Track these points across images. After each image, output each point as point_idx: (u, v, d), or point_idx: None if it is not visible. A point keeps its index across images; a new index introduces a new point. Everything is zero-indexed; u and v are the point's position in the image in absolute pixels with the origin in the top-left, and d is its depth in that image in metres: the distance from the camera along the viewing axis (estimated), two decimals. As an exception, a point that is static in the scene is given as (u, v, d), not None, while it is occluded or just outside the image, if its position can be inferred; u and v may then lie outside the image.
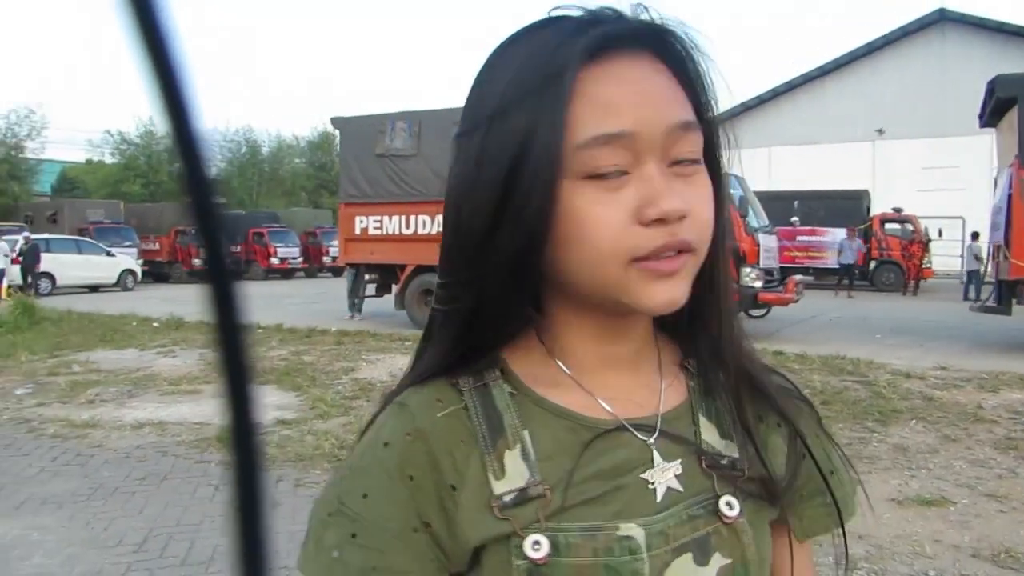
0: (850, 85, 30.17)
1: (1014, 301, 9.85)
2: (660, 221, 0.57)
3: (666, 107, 0.59)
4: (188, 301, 17.44)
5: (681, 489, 0.63)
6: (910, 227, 20.75)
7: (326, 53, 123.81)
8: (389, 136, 12.38)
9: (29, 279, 19.55)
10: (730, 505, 0.63)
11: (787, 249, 18.14)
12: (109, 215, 27.84)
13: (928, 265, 21.08)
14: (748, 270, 10.22)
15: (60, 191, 39.38)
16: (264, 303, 17.21)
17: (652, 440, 0.64)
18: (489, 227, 0.60)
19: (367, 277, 13.16)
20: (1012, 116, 9.35)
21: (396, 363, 8.72)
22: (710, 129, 0.64)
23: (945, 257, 23.19)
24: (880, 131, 29.36)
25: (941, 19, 28.87)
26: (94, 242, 23.13)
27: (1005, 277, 9.48)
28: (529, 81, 0.58)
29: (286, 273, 28.50)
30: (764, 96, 31.86)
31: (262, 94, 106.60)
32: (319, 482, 4.81)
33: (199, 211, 0.26)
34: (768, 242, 10.88)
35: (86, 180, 40.38)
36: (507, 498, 0.60)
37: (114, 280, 22.41)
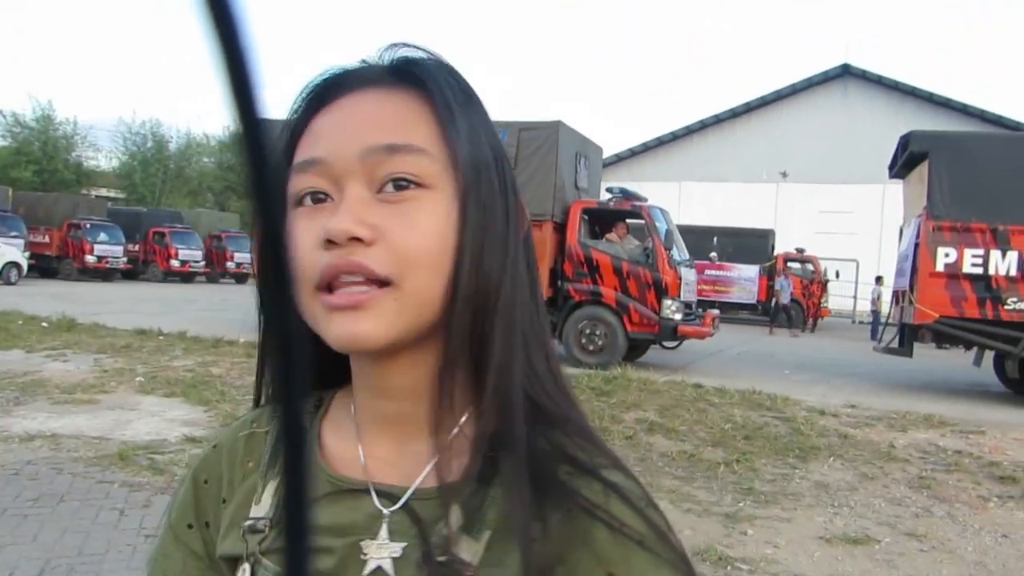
0: (758, 128, 31.55)
1: (915, 344, 10.36)
2: (331, 243, 0.55)
3: (366, 132, 0.58)
4: (79, 299, 16.42)
5: (391, 574, 0.57)
6: (811, 267, 21.69)
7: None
8: None
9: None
10: None
11: (697, 282, 18.59)
12: (-6, 202, 26.01)
13: (826, 304, 22.06)
14: (669, 302, 10.37)
15: (-61, 173, 36.60)
16: (163, 307, 16.37)
17: (388, 511, 0.59)
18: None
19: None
20: (923, 169, 9.89)
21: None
22: (456, 156, 0.59)
23: (840, 297, 24.35)
24: (784, 174, 30.75)
25: (844, 74, 30.65)
26: (-25, 231, 21.55)
27: (909, 321, 9.96)
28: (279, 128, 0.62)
29: (186, 276, 27.30)
30: (678, 132, 32.97)
31: (174, 87, 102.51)
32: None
33: (265, 219, 0.26)
34: (688, 275, 11.09)
35: (-31, 163, 37.68)
36: (248, 523, 0.63)
37: (-4, 273, 20.92)
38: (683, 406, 7.58)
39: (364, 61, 0.63)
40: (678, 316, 10.42)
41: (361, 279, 0.55)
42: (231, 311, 16.18)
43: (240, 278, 28.26)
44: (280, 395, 0.28)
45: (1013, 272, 9.36)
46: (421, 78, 0.60)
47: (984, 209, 9.37)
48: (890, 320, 11.22)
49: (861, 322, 22.18)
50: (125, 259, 25.69)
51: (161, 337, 11.02)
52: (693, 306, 11.38)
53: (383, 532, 0.58)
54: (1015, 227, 9.35)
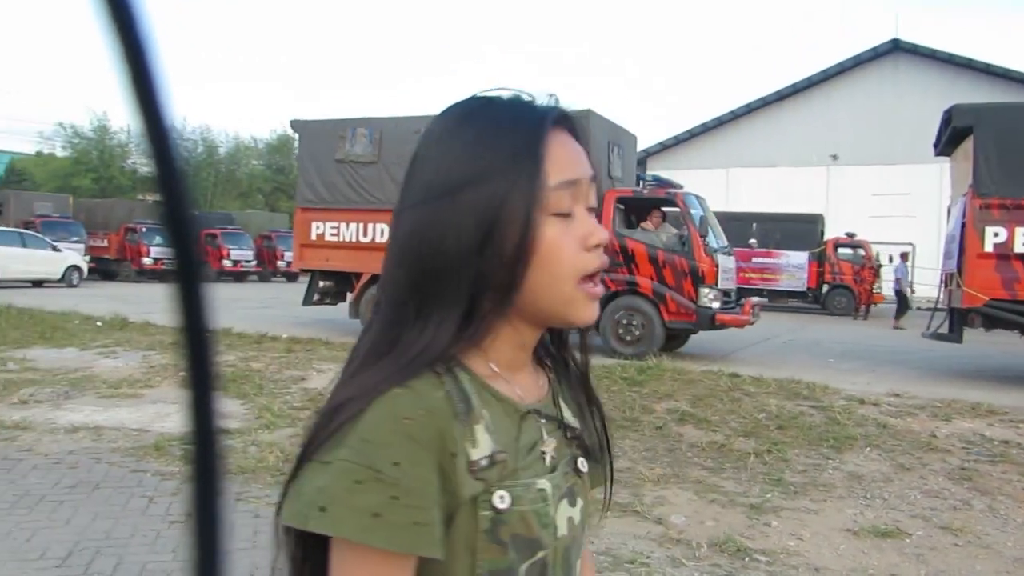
0: (806, 110, 30.79)
1: (965, 329, 9.99)
2: (598, 247, 0.80)
3: (587, 167, 0.82)
4: (134, 300, 16.94)
5: (556, 456, 0.84)
6: (862, 252, 21.12)
7: (289, 55, 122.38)
8: (349, 142, 12.15)
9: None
10: (582, 464, 0.89)
11: (743, 270, 18.31)
12: (57, 209, 26.94)
13: (878, 290, 21.46)
14: (706, 290, 10.21)
15: (7, 183, 38.02)
16: (214, 306, 16.73)
17: (543, 422, 0.85)
18: (471, 256, 0.76)
19: (321, 284, 12.86)
20: (967, 145, 9.51)
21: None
22: (600, 190, 0.88)
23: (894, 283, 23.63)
24: (834, 156, 29.96)
25: (894, 49, 29.66)
26: (39, 236, 22.35)
27: (957, 305, 9.60)
28: (506, 147, 0.77)
29: (238, 276, 27.91)
30: (724, 118, 32.37)
31: (222, 93, 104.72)
32: (261, 496, 4.58)
33: (169, 209, 0.27)
34: (727, 263, 10.89)
35: (35, 172, 39.12)
36: (483, 462, 0.76)
37: (59, 276, 21.68)
38: (717, 396, 7.45)
39: (535, 96, 0.83)
40: (716, 304, 10.25)
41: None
42: (278, 308, 16.49)
43: (291, 276, 28.77)
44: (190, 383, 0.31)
45: (1069, 251, 8.93)
46: (580, 129, 0.84)
47: (1036, 185, 8.96)
48: (939, 304, 10.83)
49: (918, 308, 21.56)
50: (180, 260, 26.39)
51: (207, 335, 11.28)
52: (732, 294, 11.17)
53: (545, 435, 0.84)
54: (1070, 203, 8.92)
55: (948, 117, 9.86)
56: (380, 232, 11.69)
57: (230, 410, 6.88)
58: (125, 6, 0.21)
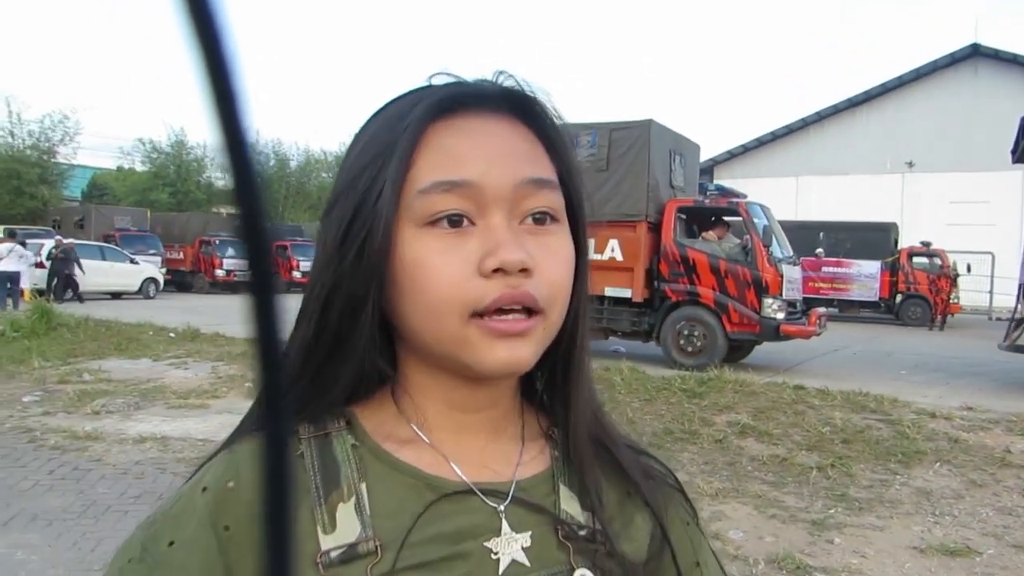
0: (880, 118, 29.97)
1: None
2: (500, 271, 0.57)
3: (516, 162, 0.60)
4: (206, 312, 17.48)
5: (527, 564, 0.60)
6: (938, 261, 20.37)
7: (357, 68, 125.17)
8: None
9: (55, 282, 19.66)
10: None
11: (812, 280, 17.83)
12: (135, 223, 28.09)
13: (956, 300, 20.64)
14: (770, 301, 9.99)
15: (90, 197, 39.80)
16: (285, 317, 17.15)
17: (503, 507, 0.61)
18: (336, 275, 0.60)
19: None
20: (1046, 152, 9.12)
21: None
22: (570, 194, 0.64)
23: (973, 292, 22.72)
24: (910, 164, 29.08)
25: (974, 54, 28.64)
26: (118, 249, 23.31)
27: (1037, 316, 9.19)
28: (381, 140, 0.60)
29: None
30: (794, 126, 31.76)
31: (293, 107, 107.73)
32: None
33: (246, 222, 0.25)
34: (792, 273, 10.64)
35: (115, 187, 40.83)
36: (334, 554, 0.56)
37: (136, 288, 22.54)
38: (780, 408, 7.28)
39: (478, 79, 0.63)
40: (780, 315, 10.02)
41: (519, 307, 0.58)
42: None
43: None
44: (266, 417, 0.28)
45: None
46: (538, 115, 0.63)
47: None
48: (1016, 315, 10.36)
49: (998, 319, 20.65)
50: (251, 272, 27.22)
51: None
52: (798, 304, 10.91)
53: (505, 527, 0.60)
54: None
55: (1024, 122, 9.49)
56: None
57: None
58: (209, 18, 0.21)
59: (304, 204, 43.03)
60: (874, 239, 20.95)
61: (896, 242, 21.36)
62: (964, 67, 28.92)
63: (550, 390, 0.69)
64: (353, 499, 0.58)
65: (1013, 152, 10.57)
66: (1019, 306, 10.40)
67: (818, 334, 10.61)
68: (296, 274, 28.01)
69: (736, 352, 10.81)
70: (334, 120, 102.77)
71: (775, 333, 10.07)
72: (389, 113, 0.61)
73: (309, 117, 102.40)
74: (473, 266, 0.57)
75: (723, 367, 9.63)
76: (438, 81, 0.63)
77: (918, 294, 20.34)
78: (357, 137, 0.63)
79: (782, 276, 10.10)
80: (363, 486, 0.59)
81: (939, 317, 19.84)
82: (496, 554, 0.59)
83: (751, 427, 6.72)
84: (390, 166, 0.58)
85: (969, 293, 22.34)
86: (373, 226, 0.58)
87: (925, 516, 4.88)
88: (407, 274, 0.58)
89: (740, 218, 10.46)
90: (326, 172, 45.34)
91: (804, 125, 31.61)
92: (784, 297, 10.11)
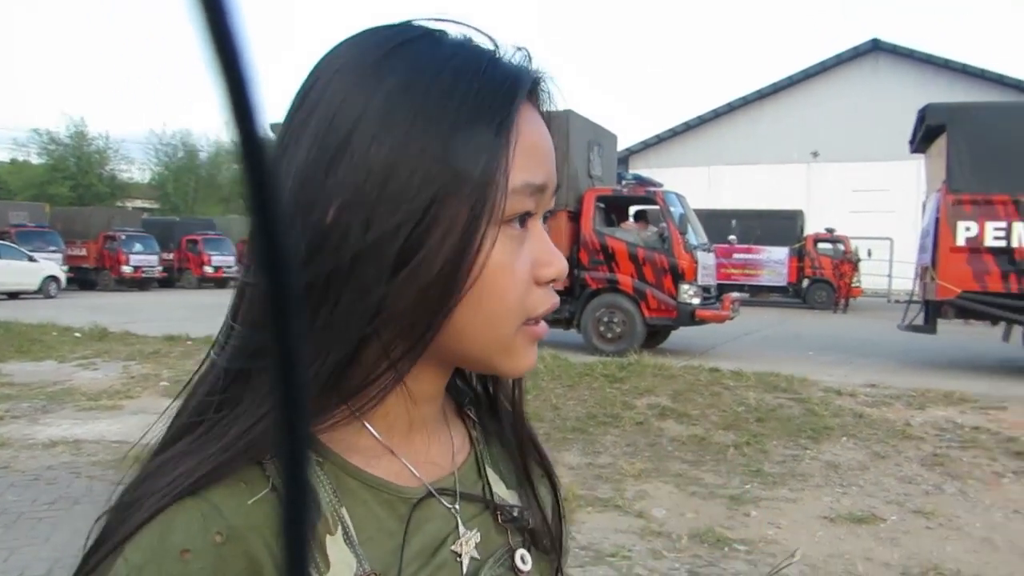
0: (787, 109, 31.05)
1: (939, 320, 10.15)
2: (553, 282, 0.56)
3: (553, 164, 0.57)
4: (114, 310, 16.82)
5: (479, 557, 0.59)
6: (841, 247, 21.35)
7: (275, 55, 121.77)
8: None
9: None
10: (523, 559, 0.62)
11: (724, 266, 18.43)
12: (33, 218, 26.62)
13: (858, 284, 21.69)
14: (686, 287, 10.30)
15: (-20, 192, 37.71)
16: (195, 313, 16.67)
17: (456, 507, 0.59)
18: (378, 279, 0.50)
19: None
20: (941, 143, 9.67)
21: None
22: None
23: (873, 276, 23.92)
24: (815, 154, 30.23)
25: (874, 49, 29.98)
26: (14, 246, 22.11)
27: (932, 297, 9.76)
28: (466, 116, 0.50)
29: (220, 282, 27.76)
30: (706, 117, 32.57)
31: (202, 96, 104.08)
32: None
33: (260, 221, 0.23)
34: (706, 259, 10.99)
35: (9, 181, 38.69)
36: None
37: (36, 287, 21.47)
38: (697, 390, 7.54)
39: (500, 43, 0.55)
40: (696, 300, 10.34)
41: None
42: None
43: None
44: (284, 439, 0.25)
45: (1036, 244, 9.13)
46: (545, 112, 0.57)
47: (1005, 181, 9.14)
48: (914, 297, 10.99)
49: (897, 301, 21.82)
50: (160, 268, 26.29)
51: (189, 342, 11.24)
52: (712, 290, 11.28)
53: (461, 528, 0.59)
54: (1038, 197, 9.10)
55: (923, 115, 10.05)
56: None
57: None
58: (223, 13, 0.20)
59: (215, 196, 41.77)
60: (782, 226, 21.79)
61: (802, 229, 22.27)
62: (865, 61, 30.26)
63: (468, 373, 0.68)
64: (340, 529, 0.52)
65: (912, 142, 11.16)
66: (916, 288, 11.02)
67: (732, 318, 11.00)
68: (208, 269, 27.25)
69: (654, 337, 11.10)
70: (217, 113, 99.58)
71: (691, 318, 10.38)
72: (445, 86, 0.51)
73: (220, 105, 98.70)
74: (533, 274, 0.55)
75: (642, 352, 9.88)
76: (461, 32, 0.55)
77: (823, 278, 21.30)
78: (390, 105, 0.50)
79: (697, 263, 10.43)
80: (344, 511, 0.53)
81: (842, 300, 20.83)
82: (460, 557, 0.58)
83: (670, 409, 6.94)
84: (496, 160, 0.51)
85: (870, 277, 23.52)
86: (462, 224, 0.50)
87: (834, 487, 5.16)
88: (485, 279, 0.52)
89: (657, 207, 10.73)
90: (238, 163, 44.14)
91: (716, 116, 32.48)
92: (700, 283, 10.44)
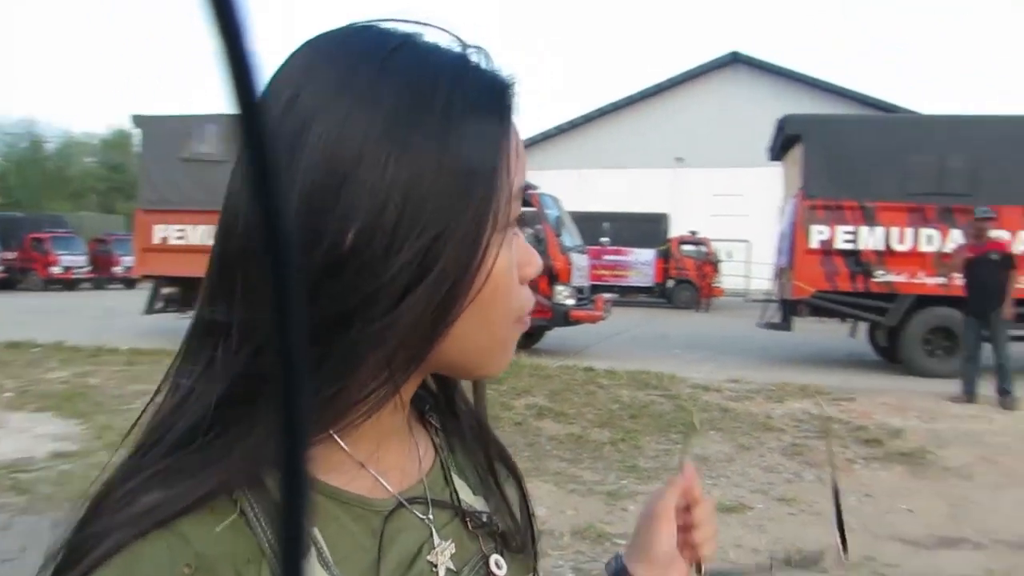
0: (654, 115, 32.27)
1: (794, 318, 10.85)
2: (528, 280, 0.58)
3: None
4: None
5: (455, 567, 0.59)
6: (704, 249, 22.42)
7: (129, 42, 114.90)
8: (197, 139, 11.58)
9: None
10: (498, 564, 0.62)
11: (595, 267, 18.94)
12: None
13: (718, 284, 22.86)
14: (561, 288, 10.50)
15: None
16: (43, 317, 15.49)
17: (430, 516, 0.59)
18: (400, 295, 0.49)
19: (164, 291, 12.18)
20: (797, 152, 10.34)
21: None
22: None
23: (733, 277, 25.26)
24: (679, 159, 31.58)
25: (734, 61, 31.67)
26: None
27: (788, 296, 10.41)
28: (471, 129, 0.50)
29: (69, 284, 25.88)
30: (577, 121, 33.37)
31: (51, 83, 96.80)
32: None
33: (264, 206, 0.22)
34: (580, 261, 11.25)
35: None
36: None
37: None
38: (573, 390, 7.70)
39: (470, 45, 0.54)
40: (570, 301, 10.57)
41: None
42: (117, 318, 15.46)
43: (130, 283, 27.03)
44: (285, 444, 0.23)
45: (880, 247, 9.91)
46: (512, 115, 0.55)
47: (854, 188, 9.87)
48: (771, 296, 11.71)
49: (754, 300, 23.17)
50: (1, 268, 24.20)
51: (36, 349, 10.42)
52: (586, 291, 11.56)
53: (436, 538, 0.58)
54: (882, 204, 9.89)
55: (781, 125, 10.71)
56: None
57: (65, 431, 6.41)
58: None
59: (64, 191, 38.98)
60: (648, 229, 22.67)
61: (667, 231, 23.24)
62: (726, 72, 31.91)
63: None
64: (313, 550, 0.50)
65: (771, 150, 11.87)
66: (774, 288, 11.72)
67: (604, 318, 11.31)
68: (55, 270, 25.36)
69: (530, 338, 11.25)
70: (98, 98, 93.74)
71: (566, 319, 10.61)
72: (446, 99, 0.50)
73: (69, 94, 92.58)
74: (519, 273, 0.56)
75: (518, 353, 9.98)
76: (437, 35, 0.54)
77: (687, 279, 22.31)
78: (397, 126, 0.49)
79: (572, 264, 10.65)
80: (316, 531, 0.51)
81: (704, 300, 21.88)
82: (436, 567, 0.57)
83: (548, 409, 7.05)
84: (503, 166, 0.51)
85: (729, 277, 24.83)
86: (472, 235, 0.50)
87: (704, 479, 5.34)
88: (490, 285, 0.52)
89: (532, 208, 10.88)
90: (90, 157, 41.35)
91: (587, 121, 33.36)
92: (574, 284, 10.67)
